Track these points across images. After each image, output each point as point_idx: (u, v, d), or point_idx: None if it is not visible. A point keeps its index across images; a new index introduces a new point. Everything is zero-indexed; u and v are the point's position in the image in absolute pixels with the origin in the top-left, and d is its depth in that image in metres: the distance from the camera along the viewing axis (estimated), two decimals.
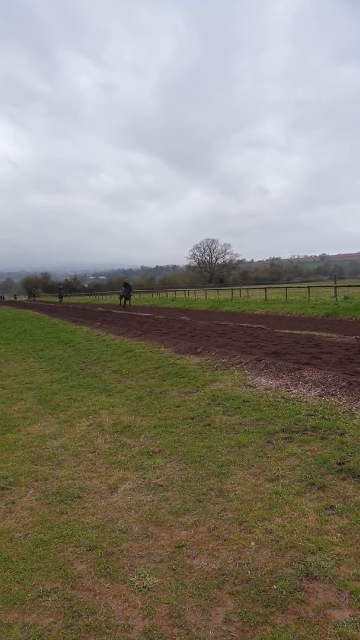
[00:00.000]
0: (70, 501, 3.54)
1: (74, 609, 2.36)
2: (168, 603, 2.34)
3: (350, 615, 2.13)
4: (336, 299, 19.01)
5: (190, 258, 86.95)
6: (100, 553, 2.82)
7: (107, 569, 2.66)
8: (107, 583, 2.55)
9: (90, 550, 2.87)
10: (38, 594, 2.50)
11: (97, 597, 2.44)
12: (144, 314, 20.32)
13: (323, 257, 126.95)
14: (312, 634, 2.04)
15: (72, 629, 2.23)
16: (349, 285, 22.36)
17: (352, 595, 2.23)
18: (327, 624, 2.09)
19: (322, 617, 2.13)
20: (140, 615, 2.29)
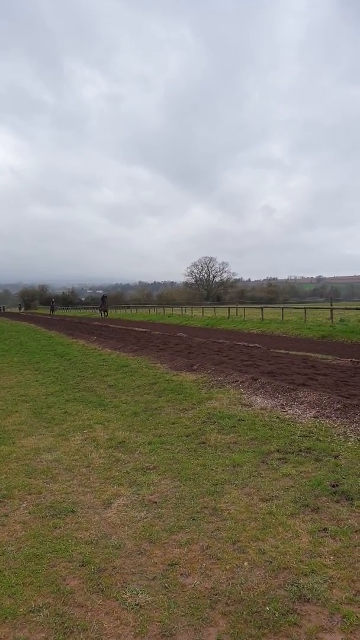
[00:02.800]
0: (63, 515, 3.53)
1: (66, 625, 2.35)
2: (160, 621, 2.33)
3: (342, 639, 2.13)
4: (332, 320, 19.11)
5: (188, 275, 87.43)
6: (93, 569, 2.81)
7: (100, 585, 2.65)
8: (99, 599, 2.54)
9: (83, 565, 2.86)
10: (30, 609, 2.49)
11: (89, 614, 2.43)
12: (140, 329, 20.34)
13: (320, 278, 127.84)
14: None
15: None
16: (346, 308, 22.51)
17: (345, 619, 2.24)
18: None
19: None
20: (132, 633, 2.28)
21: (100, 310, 36.89)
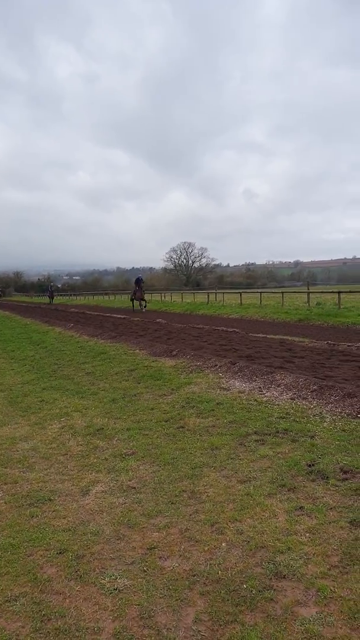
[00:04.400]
0: (40, 504, 3.50)
1: (43, 612, 2.34)
2: (139, 604, 2.34)
3: (317, 612, 2.17)
4: (309, 304, 19.34)
5: (167, 261, 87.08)
6: (71, 556, 2.80)
7: (78, 572, 2.65)
8: (77, 586, 2.53)
9: (60, 553, 2.85)
10: (6, 598, 2.47)
11: (67, 601, 2.42)
12: (119, 316, 20.22)
13: (297, 263, 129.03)
14: (279, 632, 2.08)
15: (40, 633, 2.20)
16: (322, 292, 22.80)
17: (319, 593, 2.29)
18: (295, 621, 2.13)
19: (289, 615, 2.17)
20: (111, 617, 2.28)
21: (133, 299, 25.97)
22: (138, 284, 25.77)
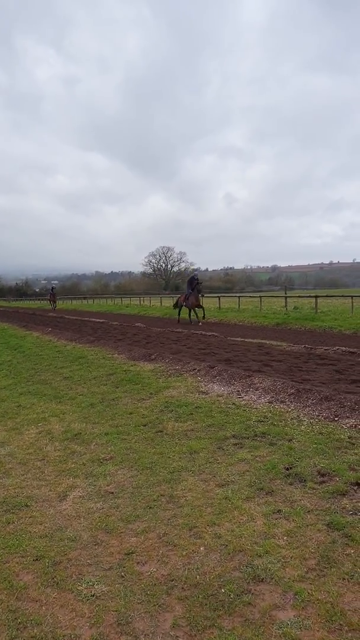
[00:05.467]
0: (17, 510, 3.44)
1: (19, 620, 2.29)
2: (116, 611, 2.32)
3: (294, 615, 2.19)
4: (286, 308, 19.58)
5: (146, 265, 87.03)
6: (48, 562, 2.76)
7: (55, 579, 2.61)
8: (53, 593, 2.49)
9: (37, 560, 2.80)
10: None
11: (44, 608, 2.38)
12: (97, 320, 20.08)
13: (274, 267, 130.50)
14: (257, 635, 2.08)
15: None
16: (299, 296, 23.12)
17: (297, 596, 2.30)
18: (272, 624, 2.14)
19: (267, 619, 2.18)
20: (88, 624, 2.25)
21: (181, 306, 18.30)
22: (191, 284, 17.68)
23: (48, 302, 38.49)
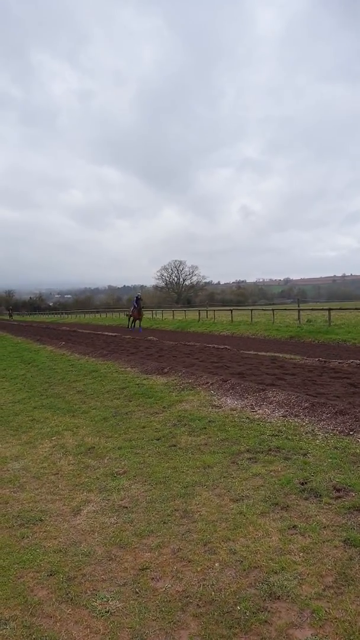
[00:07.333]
0: (31, 525, 3.45)
1: (34, 636, 2.28)
2: (131, 627, 2.30)
3: (312, 634, 2.15)
4: (299, 321, 19.47)
5: (158, 278, 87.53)
6: (62, 578, 2.75)
7: (69, 594, 2.60)
8: (68, 609, 2.48)
9: (51, 575, 2.80)
10: None
11: (58, 624, 2.37)
12: (110, 334, 20.18)
13: (287, 280, 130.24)
14: None
15: None
16: (312, 309, 22.99)
17: (314, 614, 2.26)
18: None
19: (284, 637, 2.14)
20: None
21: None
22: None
23: (127, 316, 28.99)
